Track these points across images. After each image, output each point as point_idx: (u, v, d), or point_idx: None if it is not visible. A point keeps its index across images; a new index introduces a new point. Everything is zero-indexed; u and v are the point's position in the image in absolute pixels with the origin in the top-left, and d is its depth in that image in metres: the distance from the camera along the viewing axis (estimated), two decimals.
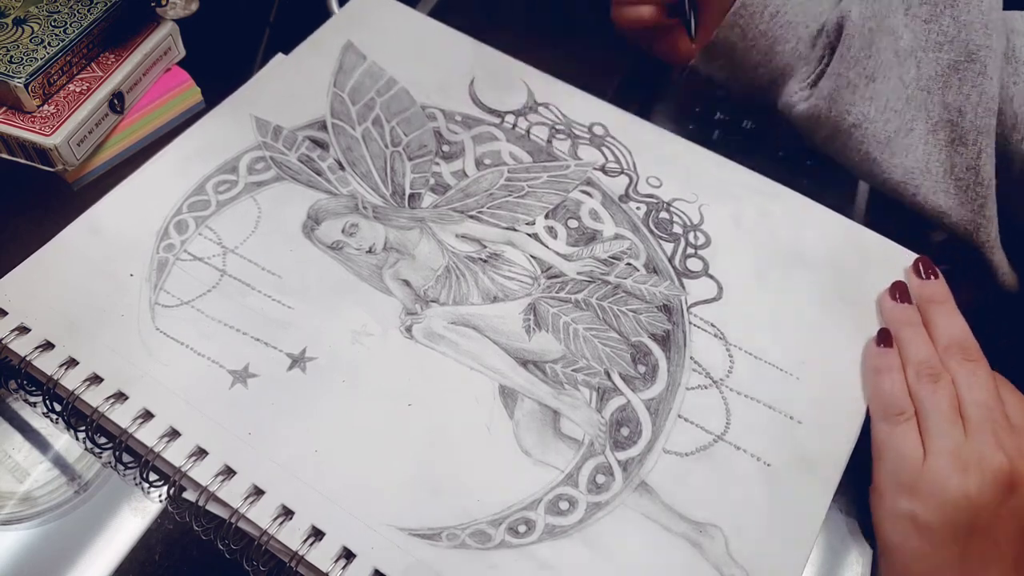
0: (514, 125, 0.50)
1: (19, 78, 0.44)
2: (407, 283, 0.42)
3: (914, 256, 0.45)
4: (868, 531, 0.38)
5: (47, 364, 0.38)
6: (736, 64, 0.50)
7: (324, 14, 0.58)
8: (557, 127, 0.50)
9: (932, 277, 0.43)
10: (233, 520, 0.35)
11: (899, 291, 0.43)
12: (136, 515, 0.38)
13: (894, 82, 0.44)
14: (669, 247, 0.45)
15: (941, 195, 0.44)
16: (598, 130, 0.50)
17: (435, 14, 0.56)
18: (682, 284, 0.43)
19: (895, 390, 0.39)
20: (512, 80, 0.52)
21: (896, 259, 0.45)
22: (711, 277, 0.44)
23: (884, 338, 0.41)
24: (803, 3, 0.47)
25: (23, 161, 0.45)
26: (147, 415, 0.37)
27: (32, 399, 0.39)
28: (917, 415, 0.38)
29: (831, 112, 0.46)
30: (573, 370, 0.40)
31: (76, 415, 0.38)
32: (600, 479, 0.37)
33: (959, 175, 0.44)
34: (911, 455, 0.37)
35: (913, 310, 0.42)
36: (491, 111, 0.50)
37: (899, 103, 0.44)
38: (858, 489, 0.38)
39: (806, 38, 0.47)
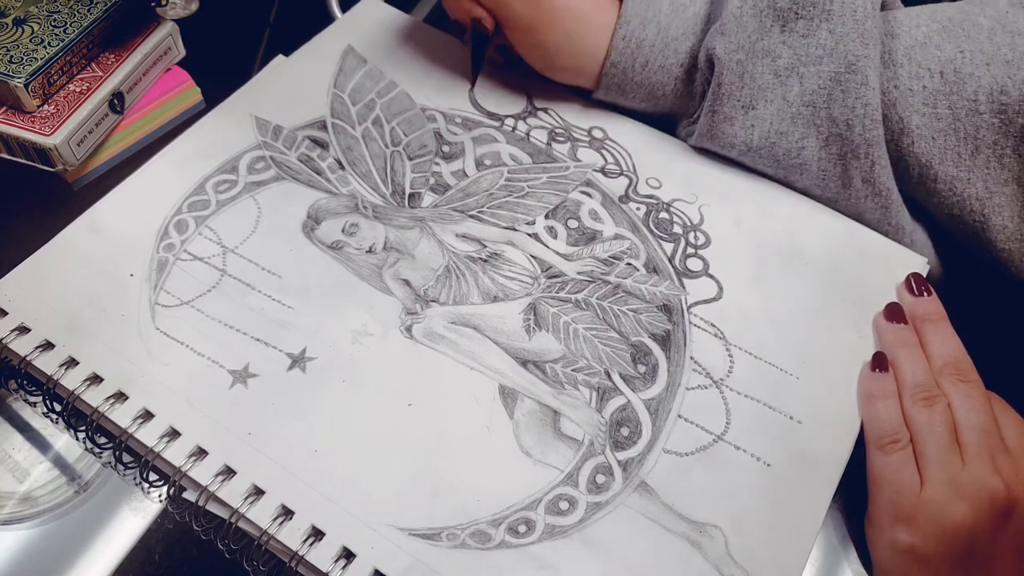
0: (514, 128, 0.50)
1: (19, 78, 0.44)
2: (407, 283, 0.42)
3: (914, 256, 0.45)
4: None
5: (47, 364, 0.38)
6: (629, 105, 0.50)
7: (324, 15, 0.58)
8: (556, 131, 0.50)
9: (925, 294, 0.43)
10: (233, 520, 0.35)
11: (894, 312, 0.42)
12: (136, 515, 0.38)
13: (777, 103, 0.44)
14: (669, 247, 0.45)
15: (842, 207, 0.45)
16: (597, 133, 0.50)
17: (432, 19, 0.56)
18: (682, 284, 0.43)
19: (890, 416, 0.39)
20: (511, 85, 0.52)
21: (896, 259, 0.45)
22: (711, 277, 0.44)
23: (879, 362, 0.41)
24: (669, 44, 0.46)
25: (23, 161, 0.45)
26: (147, 415, 0.37)
27: (32, 399, 0.39)
28: (913, 441, 0.38)
29: (715, 145, 0.47)
30: (573, 370, 0.40)
31: (76, 415, 0.38)
32: (600, 479, 0.37)
33: (856, 187, 0.44)
34: (908, 485, 0.36)
35: (909, 331, 0.42)
36: (491, 115, 0.50)
37: (784, 124, 0.44)
38: (858, 489, 0.38)
39: (682, 76, 0.47)
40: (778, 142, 0.45)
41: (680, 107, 0.49)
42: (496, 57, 0.51)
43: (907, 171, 0.44)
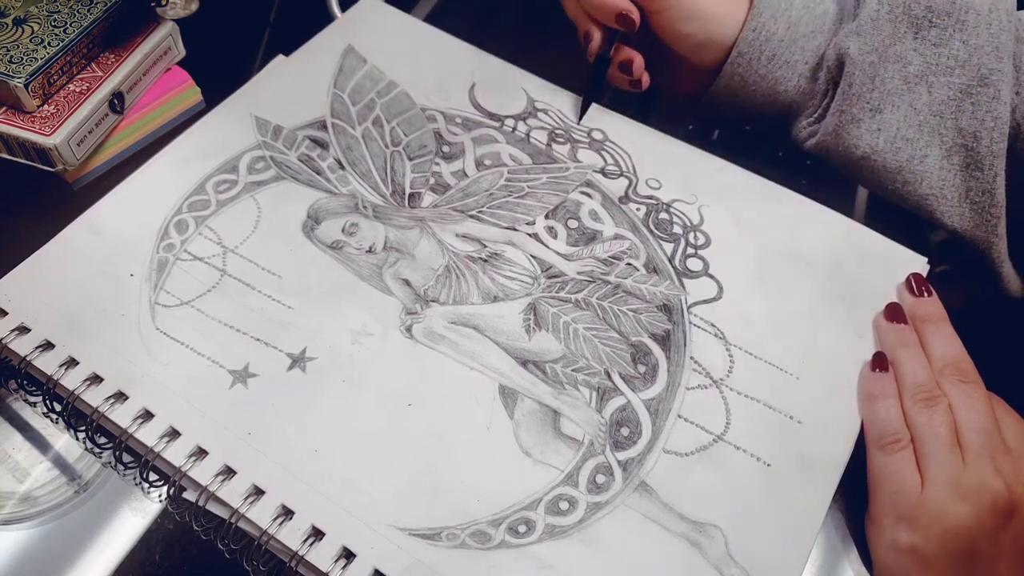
0: (514, 128, 0.50)
1: (19, 78, 0.44)
2: (407, 283, 0.42)
3: (914, 255, 0.45)
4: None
5: (47, 364, 0.38)
6: (741, 107, 0.49)
7: (324, 15, 0.58)
8: (556, 131, 0.50)
9: (926, 294, 0.43)
10: (233, 520, 0.35)
11: (894, 312, 0.42)
12: (136, 515, 0.38)
13: (904, 110, 0.44)
14: (669, 247, 0.45)
15: (956, 218, 0.44)
16: (597, 135, 0.50)
17: (432, 18, 0.56)
18: (682, 284, 0.44)
19: (890, 416, 0.39)
20: (511, 86, 0.52)
21: (896, 259, 0.45)
22: (711, 277, 0.44)
23: (879, 362, 0.41)
24: (797, 40, 0.46)
25: (23, 161, 0.45)
26: (147, 415, 0.37)
27: (32, 399, 0.39)
28: (914, 441, 0.38)
29: (838, 147, 0.46)
30: (573, 370, 0.40)
31: (76, 415, 0.38)
32: (600, 479, 0.37)
33: (974, 199, 0.44)
34: (909, 485, 0.36)
35: (909, 331, 0.42)
36: (491, 115, 0.50)
37: (911, 131, 0.44)
38: (858, 489, 0.38)
39: (807, 74, 0.47)
40: (903, 148, 0.44)
41: (799, 106, 0.48)
42: (619, 80, 0.50)
43: (1017, 176, 0.44)
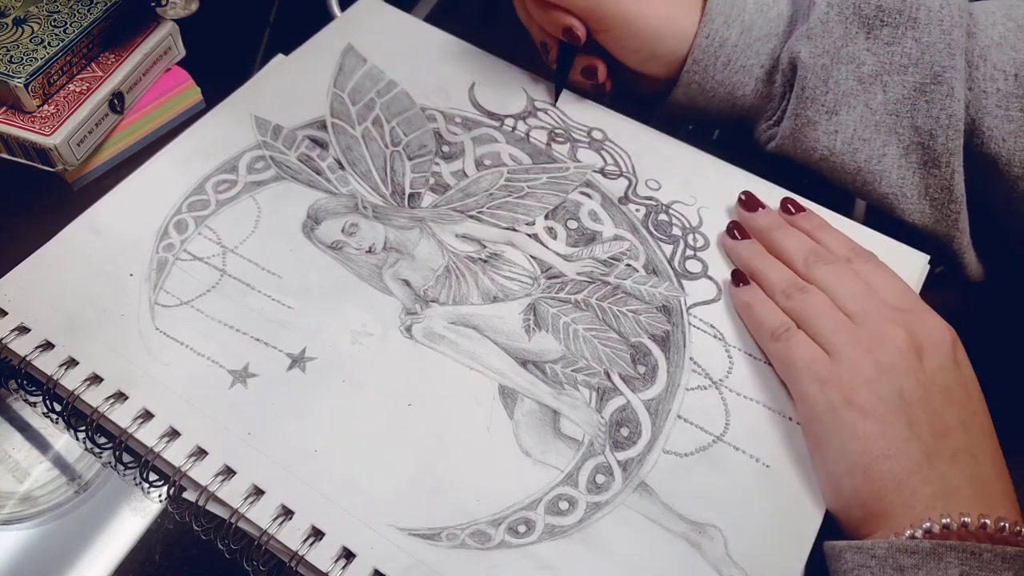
0: (513, 128, 0.50)
1: (19, 78, 0.44)
2: (407, 283, 0.43)
3: (915, 254, 0.45)
4: None
5: (47, 364, 0.38)
6: (701, 111, 0.50)
7: (324, 15, 0.58)
8: (556, 131, 0.50)
9: (760, 208, 0.45)
10: (233, 520, 0.35)
11: (736, 229, 0.44)
12: (136, 515, 0.38)
13: (860, 110, 0.44)
14: (668, 248, 0.45)
15: (917, 215, 0.45)
16: (597, 134, 0.50)
17: (432, 17, 0.56)
18: (681, 285, 0.44)
19: (770, 313, 0.40)
20: (511, 86, 0.52)
21: (896, 258, 0.45)
22: (710, 278, 0.44)
23: (739, 277, 0.43)
24: (751, 45, 0.47)
25: (23, 161, 0.45)
26: (147, 415, 0.37)
27: (32, 399, 0.39)
28: (801, 327, 0.39)
29: (797, 149, 0.47)
30: (573, 370, 0.40)
31: (76, 415, 0.38)
32: (600, 479, 0.37)
33: (934, 195, 0.44)
34: (818, 354, 0.38)
35: (755, 243, 0.43)
36: (491, 114, 0.51)
37: (867, 131, 0.44)
38: None
39: (763, 77, 0.47)
40: (860, 148, 0.45)
41: (758, 109, 0.49)
42: (582, 83, 0.51)
43: (974, 171, 0.44)
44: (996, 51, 0.42)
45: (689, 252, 0.45)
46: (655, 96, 0.51)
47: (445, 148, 0.49)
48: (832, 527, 0.37)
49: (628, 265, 0.44)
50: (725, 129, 0.53)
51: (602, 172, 0.48)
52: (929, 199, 0.44)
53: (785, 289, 0.40)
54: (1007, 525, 0.32)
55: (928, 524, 0.32)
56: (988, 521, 0.32)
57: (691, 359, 0.41)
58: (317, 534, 0.35)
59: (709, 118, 0.51)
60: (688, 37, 0.47)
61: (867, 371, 0.36)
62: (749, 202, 0.45)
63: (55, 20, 0.47)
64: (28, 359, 0.38)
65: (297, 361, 0.39)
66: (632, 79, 0.51)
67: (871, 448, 0.35)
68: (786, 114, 0.46)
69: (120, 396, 0.38)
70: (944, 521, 0.32)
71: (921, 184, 0.44)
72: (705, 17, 0.46)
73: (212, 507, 0.35)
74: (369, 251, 0.44)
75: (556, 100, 0.51)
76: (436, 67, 0.52)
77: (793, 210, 0.45)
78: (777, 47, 0.47)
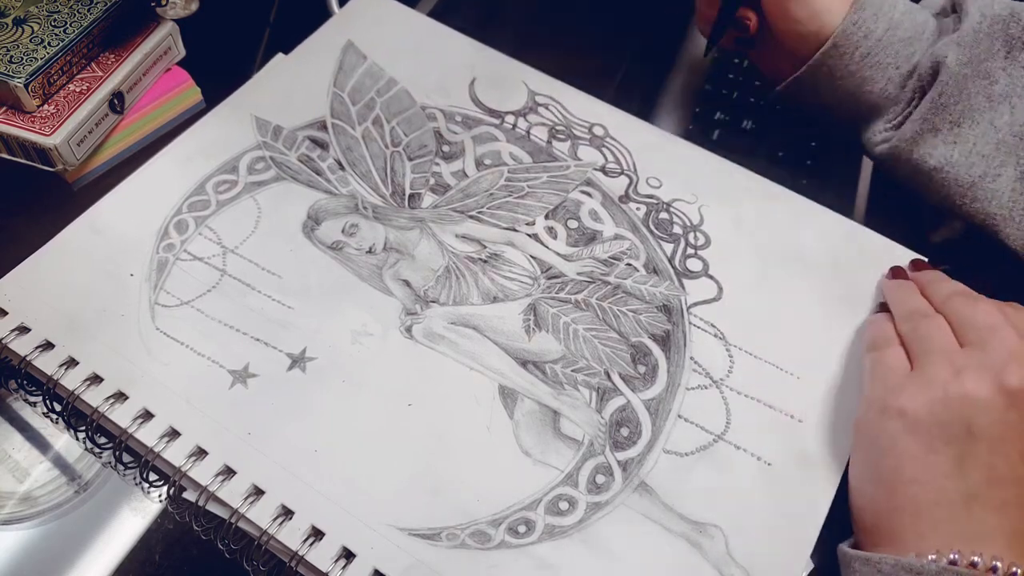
0: (514, 125, 0.50)
1: (19, 78, 0.44)
2: (407, 283, 0.42)
3: (914, 256, 0.45)
4: None
5: (47, 364, 0.38)
6: (822, 98, 0.49)
7: (324, 14, 0.58)
8: (557, 128, 0.50)
9: (924, 268, 0.43)
10: (233, 520, 0.35)
11: (896, 272, 0.43)
12: (136, 515, 0.38)
13: (984, 127, 0.44)
14: (669, 247, 0.45)
15: (1020, 241, 0.44)
16: (598, 131, 0.50)
17: (435, 14, 0.56)
18: (682, 284, 0.43)
19: (882, 328, 0.39)
20: (512, 81, 0.52)
21: (896, 259, 0.45)
22: (711, 277, 0.44)
23: (880, 308, 0.42)
24: (894, 44, 0.46)
25: (23, 161, 0.45)
26: (147, 415, 0.37)
27: (32, 399, 0.39)
28: (905, 347, 0.37)
29: (912, 155, 0.46)
30: (573, 370, 0.40)
31: (76, 415, 0.38)
32: (600, 479, 0.37)
33: None
34: (899, 366, 0.36)
35: (909, 282, 0.42)
36: (491, 111, 0.50)
37: (988, 148, 0.44)
38: None
39: (896, 79, 0.47)
40: (977, 163, 0.44)
41: (879, 109, 0.48)
42: (734, 35, 0.50)
43: None
44: None
45: (690, 251, 0.45)
46: (773, 76, 0.51)
47: (445, 148, 0.48)
48: (836, 525, 0.36)
49: (628, 264, 0.44)
50: (820, 128, 0.53)
51: (603, 170, 0.48)
52: None
53: (908, 313, 0.39)
54: (1000, 565, 0.31)
55: (934, 556, 0.32)
56: (1000, 564, 0.31)
57: (691, 358, 0.41)
58: (317, 534, 0.35)
59: (820, 110, 0.50)
60: (838, 19, 0.46)
61: (940, 391, 0.34)
62: (913, 266, 0.44)
63: (55, 20, 0.47)
64: (28, 359, 0.38)
65: (297, 361, 0.39)
66: (761, 52, 0.51)
67: (903, 468, 0.34)
68: (911, 117, 0.46)
69: (120, 396, 0.38)
70: (953, 557, 0.31)
71: None
72: (856, 4, 0.46)
73: (212, 507, 0.35)
74: (369, 251, 0.44)
75: (708, 50, 0.51)
76: (436, 62, 0.52)
77: None
78: (917, 52, 0.46)
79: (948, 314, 0.37)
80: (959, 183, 0.44)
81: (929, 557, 0.32)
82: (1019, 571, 0.31)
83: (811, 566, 0.35)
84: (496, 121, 0.50)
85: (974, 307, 0.37)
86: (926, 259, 0.45)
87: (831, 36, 0.46)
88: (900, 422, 0.34)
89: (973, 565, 0.31)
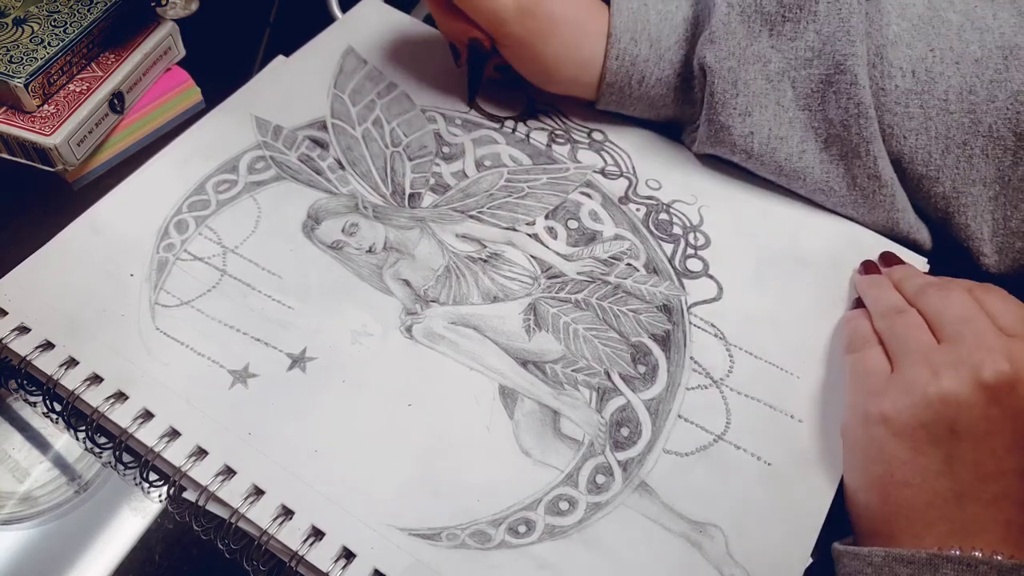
0: (513, 129, 0.50)
1: (19, 78, 0.44)
2: (407, 283, 0.42)
3: (913, 256, 0.45)
4: None
5: (47, 364, 0.38)
6: (636, 119, 0.50)
7: (324, 15, 0.58)
8: (556, 132, 0.50)
9: (896, 264, 0.43)
10: (233, 520, 0.35)
11: (869, 267, 0.43)
12: (136, 515, 0.38)
13: (772, 109, 0.44)
14: (669, 248, 0.45)
15: (850, 207, 0.44)
16: (597, 136, 0.50)
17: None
18: (682, 284, 0.44)
19: (859, 326, 0.39)
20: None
21: None
22: (711, 277, 0.44)
23: (856, 304, 0.42)
24: (663, 56, 0.46)
25: (23, 161, 0.45)
26: (147, 415, 0.37)
27: (32, 399, 0.39)
28: (885, 346, 0.37)
29: (720, 151, 0.46)
30: (573, 370, 0.40)
31: (76, 415, 0.38)
32: (600, 479, 0.37)
33: (862, 184, 0.43)
34: (879, 368, 0.36)
35: (882, 276, 0.42)
36: (491, 116, 0.51)
37: (782, 128, 0.44)
38: None
39: (679, 85, 0.46)
40: (778, 147, 0.44)
41: (683, 115, 0.48)
42: (494, 75, 0.51)
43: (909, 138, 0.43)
44: (892, 49, 0.42)
45: (690, 251, 0.45)
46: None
47: (445, 149, 0.49)
48: (838, 525, 0.36)
49: (628, 264, 0.44)
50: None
51: (602, 172, 0.48)
52: (859, 189, 0.44)
53: (884, 311, 0.39)
54: (1000, 557, 0.31)
55: (934, 552, 0.32)
56: (1000, 557, 0.31)
57: (692, 358, 0.41)
58: (317, 534, 0.35)
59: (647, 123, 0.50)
60: (594, 65, 0.46)
61: (920, 394, 0.34)
62: (884, 261, 0.44)
63: (55, 20, 0.47)
64: (28, 359, 0.38)
65: (297, 361, 0.39)
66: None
67: (893, 472, 0.34)
68: (701, 121, 0.46)
69: (120, 396, 0.38)
70: (952, 553, 0.31)
71: (848, 175, 0.44)
72: (611, 38, 0.45)
73: (212, 507, 0.35)
74: (369, 251, 0.44)
75: (471, 100, 0.51)
76: (437, 68, 0.52)
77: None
78: (689, 52, 0.46)
79: (922, 308, 0.38)
80: (769, 170, 0.45)
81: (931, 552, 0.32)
82: (1018, 562, 0.31)
83: (809, 560, 0.35)
84: (496, 125, 0.50)
85: (947, 299, 0.37)
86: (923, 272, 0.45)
87: (601, 79, 0.46)
88: (884, 428, 0.35)
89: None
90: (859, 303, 0.42)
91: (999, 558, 0.31)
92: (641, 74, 0.46)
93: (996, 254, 0.43)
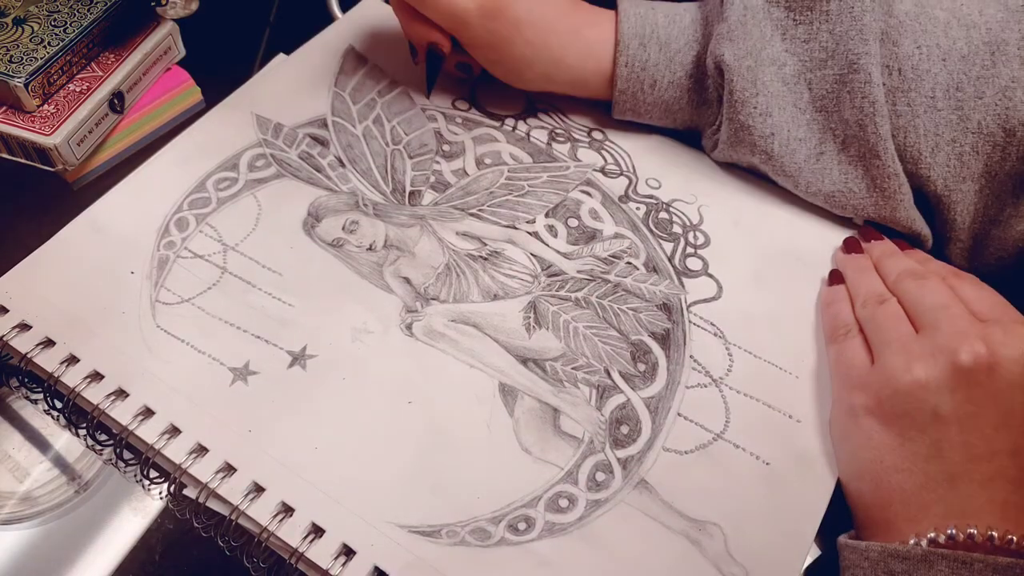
0: (514, 128, 0.50)
1: (19, 78, 0.44)
2: (407, 281, 0.43)
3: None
4: None
5: (48, 361, 0.38)
6: (651, 126, 0.50)
7: (324, 14, 0.58)
8: (556, 131, 0.50)
9: (875, 240, 0.44)
10: (233, 517, 0.35)
11: (851, 245, 0.44)
12: (136, 514, 0.38)
13: (790, 111, 0.44)
14: (669, 246, 0.45)
15: (871, 209, 0.44)
16: (597, 135, 0.50)
17: None
18: (682, 283, 0.44)
19: (841, 314, 0.40)
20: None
21: None
22: (711, 276, 0.44)
23: (834, 277, 0.43)
24: (674, 59, 0.45)
25: (23, 161, 0.45)
26: (148, 412, 0.37)
27: (33, 396, 0.39)
28: (865, 335, 0.39)
29: (738, 155, 0.46)
30: (573, 368, 0.40)
31: (77, 412, 0.38)
32: (600, 477, 0.37)
33: (882, 185, 0.43)
34: (859, 360, 0.37)
35: (864, 257, 0.43)
36: (491, 114, 0.51)
37: (800, 130, 0.44)
38: None
39: (693, 87, 0.46)
40: (798, 149, 0.44)
41: (700, 117, 0.48)
42: (457, 74, 0.51)
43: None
44: (880, 47, 0.42)
45: (690, 250, 0.45)
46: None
47: (446, 147, 0.49)
48: (839, 522, 0.37)
49: (628, 263, 0.44)
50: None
51: (602, 171, 0.48)
52: (879, 190, 0.43)
53: (864, 299, 0.40)
54: (995, 535, 0.31)
55: (933, 535, 0.32)
56: (995, 534, 0.31)
57: (691, 357, 0.41)
58: (317, 531, 0.35)
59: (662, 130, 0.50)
60: (568, 62, 0.46)
61: (902, 382, 0.35)
62: (863, 236, 0.44)
63: (55, 20, 0.47)
64: (29, 356, 0.38)
65: (297, 359, 0.39)
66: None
67: (883, 459, 0.35)
68: (722, 119, 0.45)
69: (121, 393, 0.38)
70: (950, 532, 0.32)
71: (867, 176, 0.43)
72: (619, 45, 0.45)
73: (212, 504, 0.35)
74: (370, 249, 0.44)
75: (428, 95, 0.51)
76: None
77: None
78: (700, 53, 0.45)
79: (900, 296, 0.39)
80: (787, 172, 0.45)
81: (929, 535, 0.32)
82: (1014, 539, 0.31)
83: (808, 560, 0.35)
84: (496, 123, 0.50)
85: (923, 287, 0.38)
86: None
87: (613, 86, 0.46)
88: (869, 419, 0.36)
89: (970, 538, 0.32)
90: (835, 276, 0.43)
91: (994, 543, 0.31)
92: (652, 78, 0.46)
93: (971, 240, 0.44)
